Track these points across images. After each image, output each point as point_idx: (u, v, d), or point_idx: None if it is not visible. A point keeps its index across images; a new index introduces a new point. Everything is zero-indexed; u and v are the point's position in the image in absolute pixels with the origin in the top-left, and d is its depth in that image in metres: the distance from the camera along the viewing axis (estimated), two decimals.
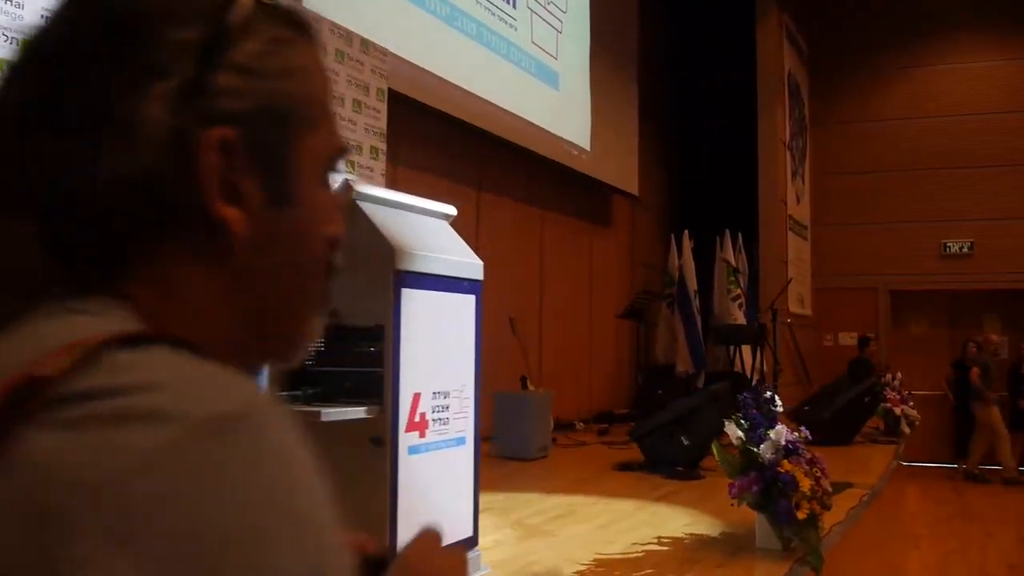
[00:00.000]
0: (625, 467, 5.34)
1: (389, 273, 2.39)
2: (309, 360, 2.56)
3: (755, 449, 3.25)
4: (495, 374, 6.83)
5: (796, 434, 3.42)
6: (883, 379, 7.55)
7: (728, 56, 10.53)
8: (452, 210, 2.91)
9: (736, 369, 8.51)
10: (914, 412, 7.40)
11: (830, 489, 3.37)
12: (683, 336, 9.31)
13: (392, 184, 5.65)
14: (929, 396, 10.68)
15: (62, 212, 0.48)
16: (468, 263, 2.74)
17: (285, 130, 0.54)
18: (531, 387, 6.49)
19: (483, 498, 4.22)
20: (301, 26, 0.57)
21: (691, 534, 3.51)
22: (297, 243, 0.55)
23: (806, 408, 6.90)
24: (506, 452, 5.74)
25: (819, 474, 3.28)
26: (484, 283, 7.01)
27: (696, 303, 9.48)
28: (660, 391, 8.29)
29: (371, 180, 4.59)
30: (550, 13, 7.41)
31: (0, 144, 0.50)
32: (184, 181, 0.49)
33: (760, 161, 10.24)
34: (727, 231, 9.70)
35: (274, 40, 0.54)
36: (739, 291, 9.53)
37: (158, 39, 0.49)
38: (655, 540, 3.39)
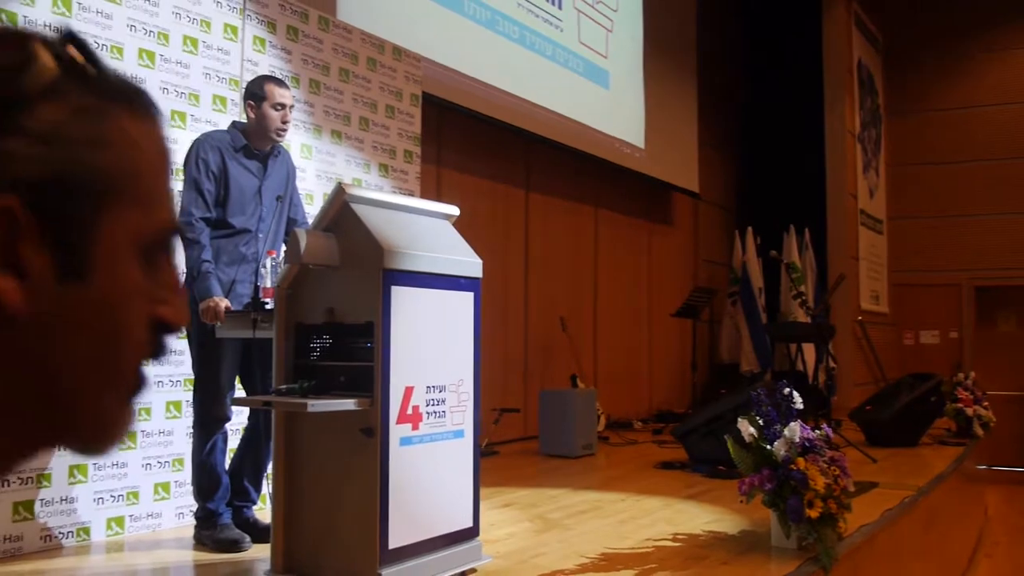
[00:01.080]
0: (666, 465, 5.32)
1: (378, 272, 2.49)
2: (314, 355, 2.70)
3: (768, 446, 3.22)
4: (545, 373, 6.90)
5: (817, 432, 3.37)
6: (954, 378, 7.25)
7: (794, 46, 10.28)
8: (454, 210, 2.98)
9: (798, 368, 8.30)
10: (988, 413, 7.08)
11: (851, 489, 3.31)
12: (747, 334, 9.16)
13: (438, 187, 5.79)
14: (1017, 396, 10.19)
15: None
16: (466, 261, 2.81)
17: (85, 203, 0.51)
18: (581, 385, 6.53)
19: (511, 493, 4.32)
20: (124, 95, 0.55)
21: (709, 531, 3.50)
22: (95, 322, 0.52)
23: (867, 408, 6.70)
24: (551, 449, 5.80)
25: (837, 473, 3.23)
26: (533, 283, 7.11)
27: (761, 301, 9.31)
28: (723, 390, 8.18)
29: (405, 183, 4.72)
30: (599, 12, 7.42)
31: None
32: None
33: (828, 154, 9.96)
34: (792, 227, 9.48)
35: (81, 108, 0.51)
36: (803, 288, 9.29)
37: None
38: (669, 536, 3.39)
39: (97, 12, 3.35)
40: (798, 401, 3.40)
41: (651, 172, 8.24)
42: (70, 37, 0.54)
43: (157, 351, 0.57)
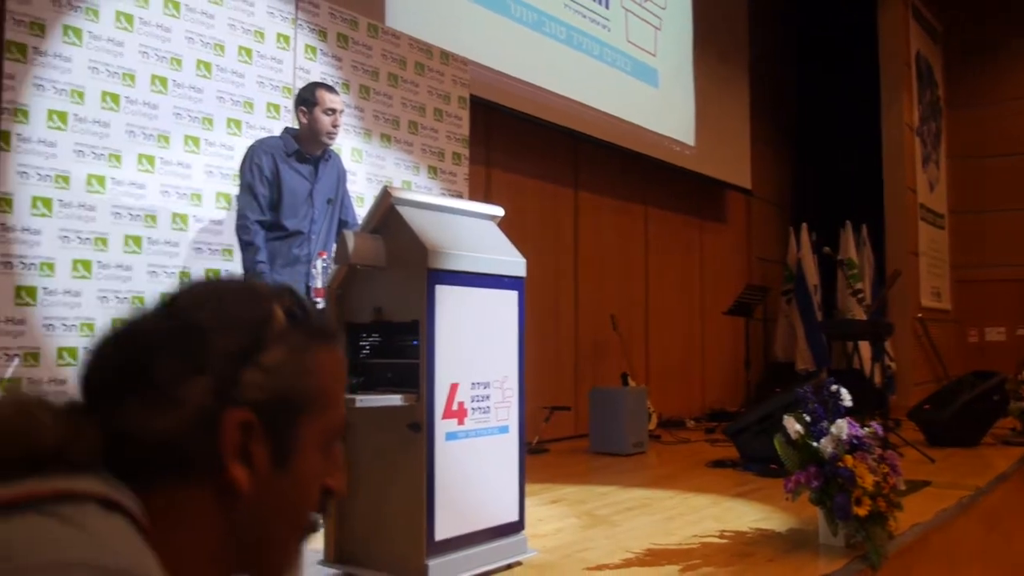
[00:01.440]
0: (718, 464, 5.30)
1: (423, 272, 2.57)
2: (363, 353, 2.79)
3: (814, 443, 3.21)
4: (595, 371, 6.93)
5: (866, 430, 3.34)
6: (1019, 376, 7.05)
7: (849, 39, 10.09)
8: (498, 211, 3.04)
9: (855, 366, 8.15)
10: None
11: (902, 487, 3.27)
12: (802, 332, 9.03)
13: (487, 187, 5.87)
14: None
15: (124, 436, 0.66)
16: (509, 261, 2.87)
17: (293, 415, 0.71)
18: (632, 384, 6.53)
19: (560, 490, 4.37)
20: (323, 334, 0.76)
21: (756, 529, 3.49)
22: (292, 497, 0.73)
23: (926, 407, 6.56)
24: (601, 447, 5.82)
25: (887, 471, 3.20)
26: (583, 282, 7.14)
27: (817, 298, 9.17)
28: (777, 389, 8.08)
29: (453, 184, 4.81)
30: (647, 11, 7.41)
31: (102, 374, 0.70)
32: (208, 447, 0.67)
33: (885, 148, 9.75)
34: (848, 223, 9.31)
35: (296, 348, 0.72)
36: (860, 285, 9.13)
37: (210, 347, 0.68)
38: (716, 533, 3.40)
39: (157, 26, 3.50)
40: (846, 398, 3.38)
41: (702, 170, 8.19)
42: (291, 293, 0.76)
43: (323, 508, 0.77)
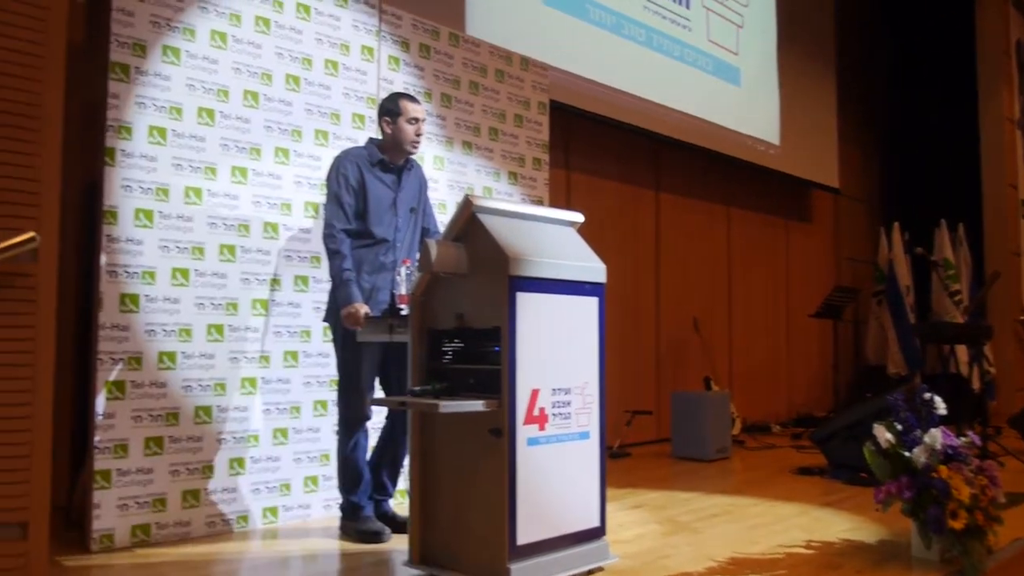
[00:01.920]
0: (805, 471, 5.18)
1: (504, 279, 2.60)
2: (446, 358, 2.84)
3: (906, 453, 3.11)
4: (677, 375, 6.86)
5: (963, 439, 3.22)
6: None
7: (942, 30, 9.69)
8: (579, 217, 3.06)
9: (951, 371, 7.83)
10: None
11: (1002, 499, 3.14)
12: (893, 335, 8.72)
13: (567, 191, 5.89)
14: None
15: None
16: (590, 267, 2.88)
17: None
18: (715, 388, 6.44)
19: (642, 495, 4.35)
20: None
21: (845, 540, 3.41)
22: None
23: None
24: (683, 452, 5.76)
25: (985, 483, 3.07)
26: (664, 284, 7.09)
27: (910, 300, 8.84)
28: (869, 394, 7.84)
29: (534, 189, 4.84)
30: (729, 9, 7.30)
31: None
32: None
33: (983, 143, 9.32)
34: (943, 221, 8.95)
35: None
36: (957, 287, 8.76)
37: None
38: (803, 544, 3.33)
39: (249, 43, 3.64)
40: (940, 407, 3.26)
41: (787, 169, 8.01)
42: None
43: None
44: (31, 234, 1.97)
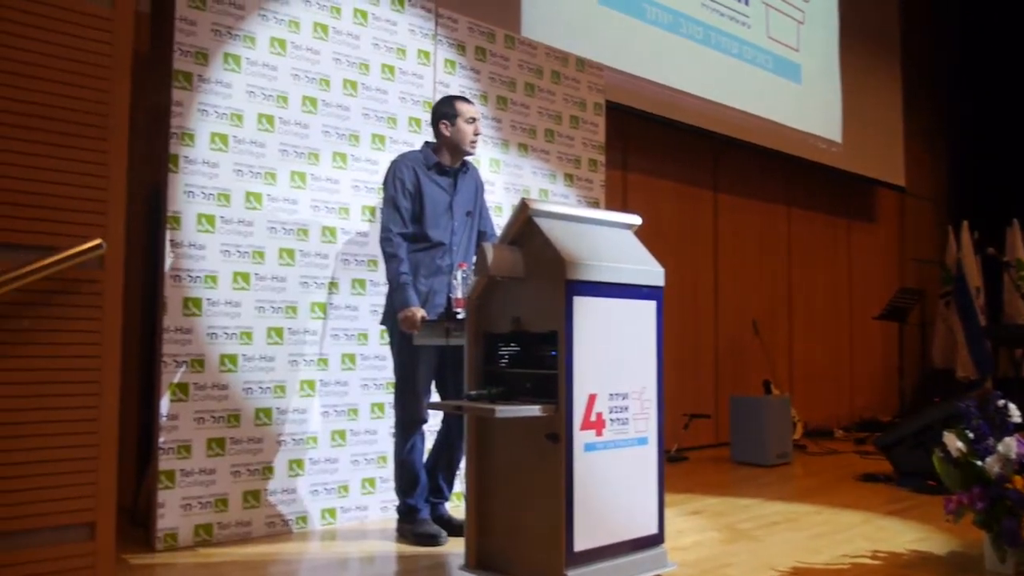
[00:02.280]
0: (870, 478, 5.04)
1: (561, 282, 2.58)
2: (502, 362, 2.83)
3: (979, 462, 3.00)
4: (736, 378, 6.74)
5: None
6: None
7: (1014, 20, 9.34)
8: (636, 219, 3.02)
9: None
10: None
11: None
12: (962, 338, 8.43)
13: (624, 192, 5.84)
14: None
15: None
16: (647, 270, 2.84)
17: None
18: (775, 392, 6.31)
19: (700, 501, 4.28)
20: None
21: (913, 551, 3.30)
22: None
23: None
24: (743, 457, 5.66)
25: None
26: (723, 285, 6.99)
27: (980, 301, 8.54)
28: (937, 399, 7.59)
29: (590, 191, 4.80)
30: (789, 5, 7.15)
31: None
32: None
33: None
34: (1015, 221, 8.62)
35: None
36: None
37: None
38: (869, 554, 3.23)
39: (307, 49, 3.69)
40: (1015, 414, 3.14)
41: (850, 167, 7.82)
42: None
43: None
44: (98, 241, 2.02)
